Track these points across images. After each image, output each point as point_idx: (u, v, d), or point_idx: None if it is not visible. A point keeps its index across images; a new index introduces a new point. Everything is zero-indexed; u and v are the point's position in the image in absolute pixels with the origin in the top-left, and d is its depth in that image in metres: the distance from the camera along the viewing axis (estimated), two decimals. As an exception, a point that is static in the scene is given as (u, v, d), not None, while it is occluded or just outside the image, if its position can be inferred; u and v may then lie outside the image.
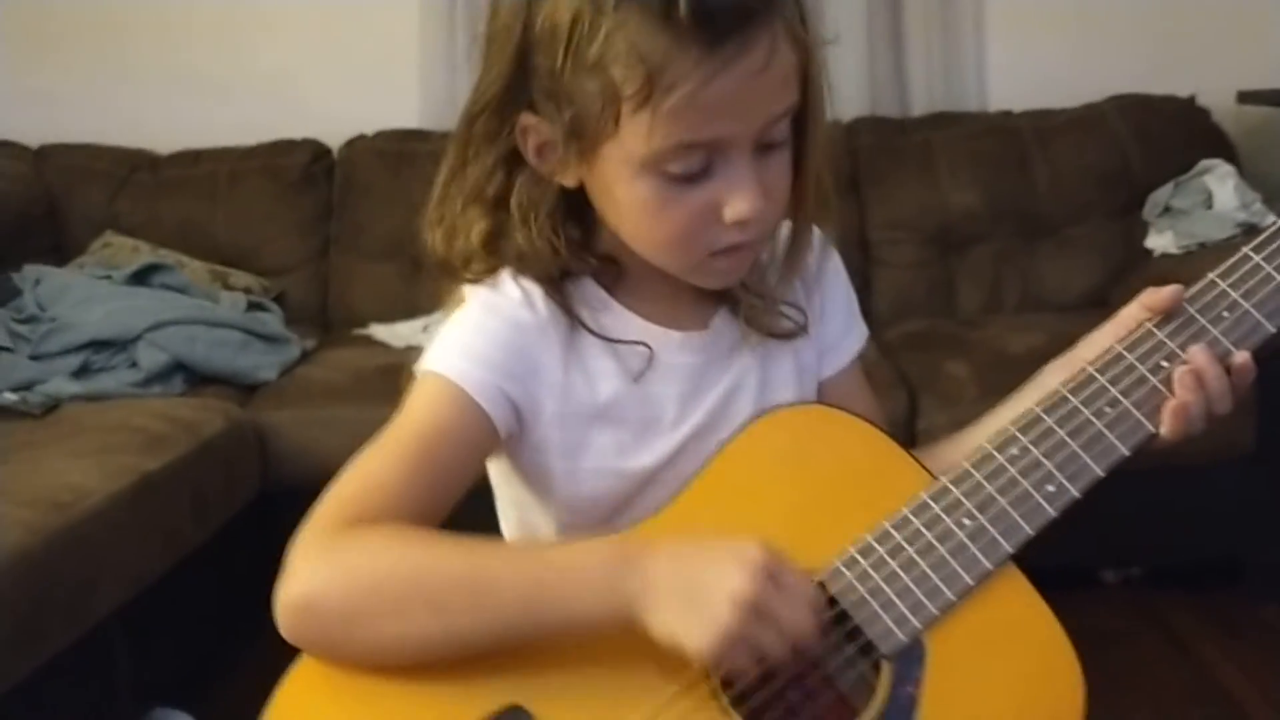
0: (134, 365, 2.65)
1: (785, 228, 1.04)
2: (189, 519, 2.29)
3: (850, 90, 3.43)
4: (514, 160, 0.97)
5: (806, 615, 0.84)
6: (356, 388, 2.62)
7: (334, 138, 3.40)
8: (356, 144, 3.38)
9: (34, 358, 2.62)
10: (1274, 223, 0.95)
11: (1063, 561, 2.61)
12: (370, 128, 3.38)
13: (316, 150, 3.39)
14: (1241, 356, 0.94)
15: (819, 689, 0.92)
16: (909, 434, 2.55)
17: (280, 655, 0.89)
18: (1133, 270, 3.06)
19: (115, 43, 3.49)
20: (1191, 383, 0.93)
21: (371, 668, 0.87)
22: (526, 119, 0.94)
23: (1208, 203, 3.01)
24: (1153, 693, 2.32)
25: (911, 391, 2.61)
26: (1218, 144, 3.18)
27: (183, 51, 3.48)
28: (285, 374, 2.80)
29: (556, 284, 1.01)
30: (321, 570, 0.87)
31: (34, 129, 3.37)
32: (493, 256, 1.01)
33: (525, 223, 0.98)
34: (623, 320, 1.03)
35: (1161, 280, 2.95)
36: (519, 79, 0.92)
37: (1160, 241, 3.03)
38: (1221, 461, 2.49)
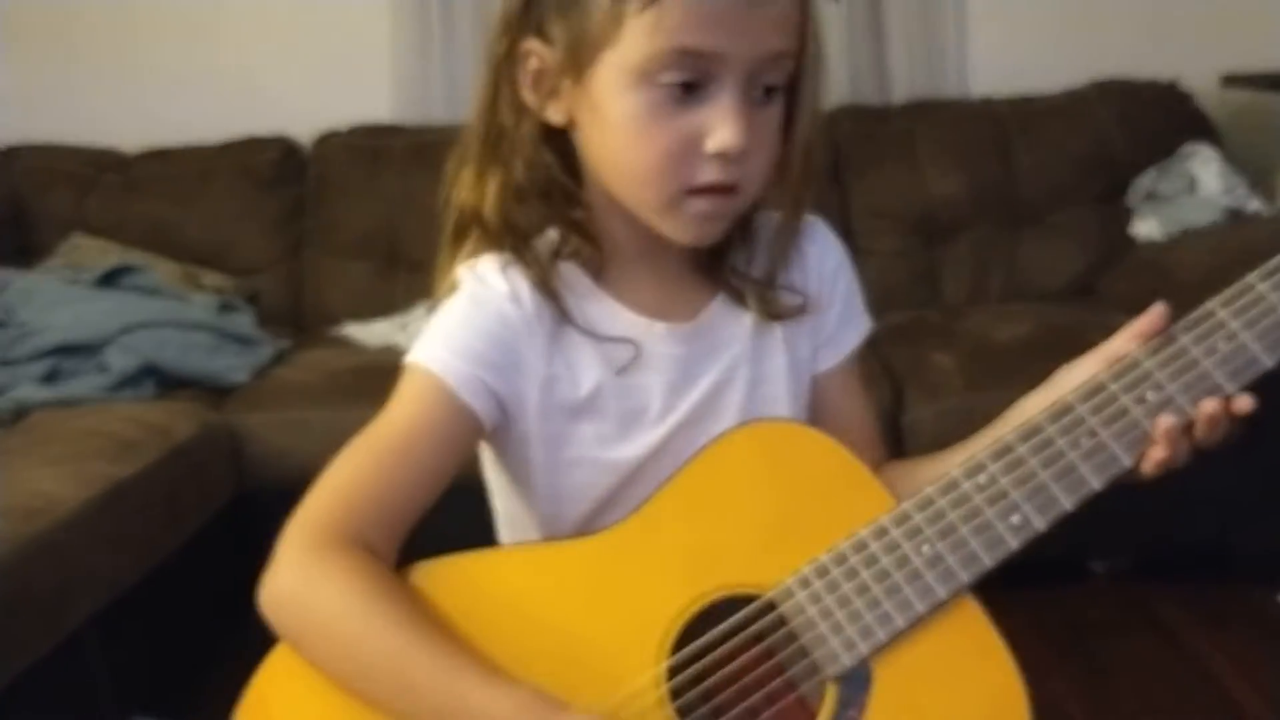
0: (104, 369, 2.63)
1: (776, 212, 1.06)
2: (163, 525, 2.28)
3: (831, 79, 3.41)
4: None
5: None
6: (331, 389, 2.60)
7: (305, 134, 3.37)
8: (328, 140, 3.36)
9: (1, 363, 2.60)
10: None
11: (1051, 553, 2.61)
12: (342, 123, 3.36)
13: (288, 147, 3.36)
14: (1243, 401, 0.90)
15: (782, 694, 0.92)
16: (894, 426, 2.54)
17: (259, 660, 0.93)
18: (1117, 257, 3.07)
19: (82, 41, 3.46)
20: (1178, 436, 0.90)
21: None
22: (529, 44, 0.97)
23: (1192, 188, 3.01)
24: (1142, 682, 2.33)
25: (897, 383, 2.61)
26: (1201, 128, 3.18)
27: (150, 49, 3.46)
28: (259, 375, 2.78)
29: (545, 268, 1.02)
30: (292, 585, 0.92)
31: (-1, 129, 3.35)
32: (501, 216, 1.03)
33: (516, 157, 1.01)
34: (609, 311, 1.04)
35: (1147, 265, 2.93)
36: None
37: (1145, 227, 3.03)
38: (1210, 450, 2.48)
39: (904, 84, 3.44)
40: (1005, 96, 3.31)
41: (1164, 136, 3.14)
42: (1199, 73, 3.25)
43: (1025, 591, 2.57)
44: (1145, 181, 3.09)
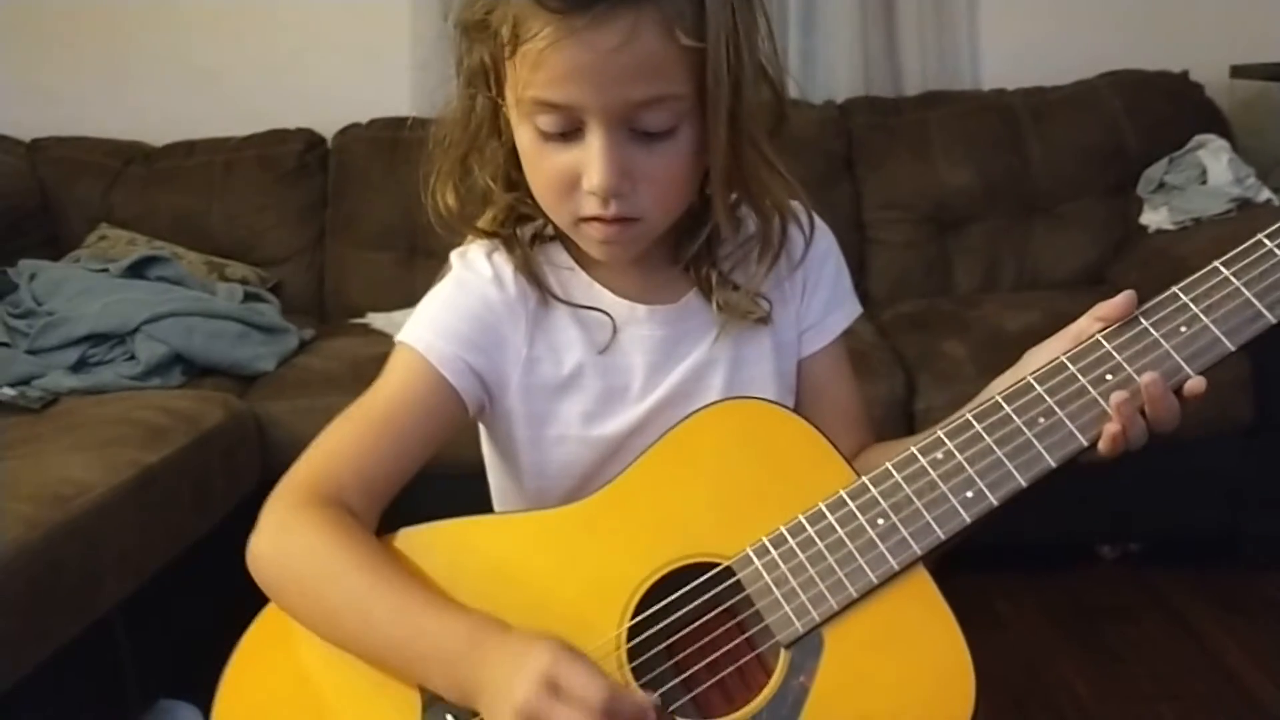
0: (132, 358, 2.65)
1: (752, 218, 1.07)
2: (190, 511, 2.29)
3: (844, 71, 3.43)
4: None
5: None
6: (355, 377, 2.56)
7: (327, 126, 3.40)
8: (350, 132, 3.38)
9: (31, 352, 2.62)
10: (1254, 238, 0.92)
11: (1060, 538, 2.66)
12: (363, 116, 3.38)
13: (310, 139, 3.38)
14: (1197, 383, 0.90)
15: (744, 655, 0.94)
16: (907, 414, 2.55)
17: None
18: (1128, 247, 3.07)
19: (108, 35, 3.49)
20: (1130, 411, 0.90)
21: None
22: (480, 53, 0.99)
23: (1202, 178, 3.00)
24: (1151, 667, 2.33)
25: (909, 371, 2.62)
26: (1211, 119, 3.17)
27: (175, 43, 3.48)
28: (284, 364, 2.80)
29: (528, 251, 1.07)
30: (271, 541, 0.97)
31: (27, 122, 3.37)
32: (499, 204, 1.07)
33: (488, 151, 1.04)
34: (590, 291, 1.08)
35: (1157, 255, 2.94)
36: (464, 14, 0.99)
37: (1155, 218, 3.03)
38: (1218, 435, 2.50)
39: (916, 75, 3.44)
40: (1017, 88, 3.30)
41: (1174, 127, 3.13)
42: (1209, 64, 3.23)
43: (1035, 576, 2.62)
44: (1156, 172, 3.08)
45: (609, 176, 0.94)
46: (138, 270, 2.89)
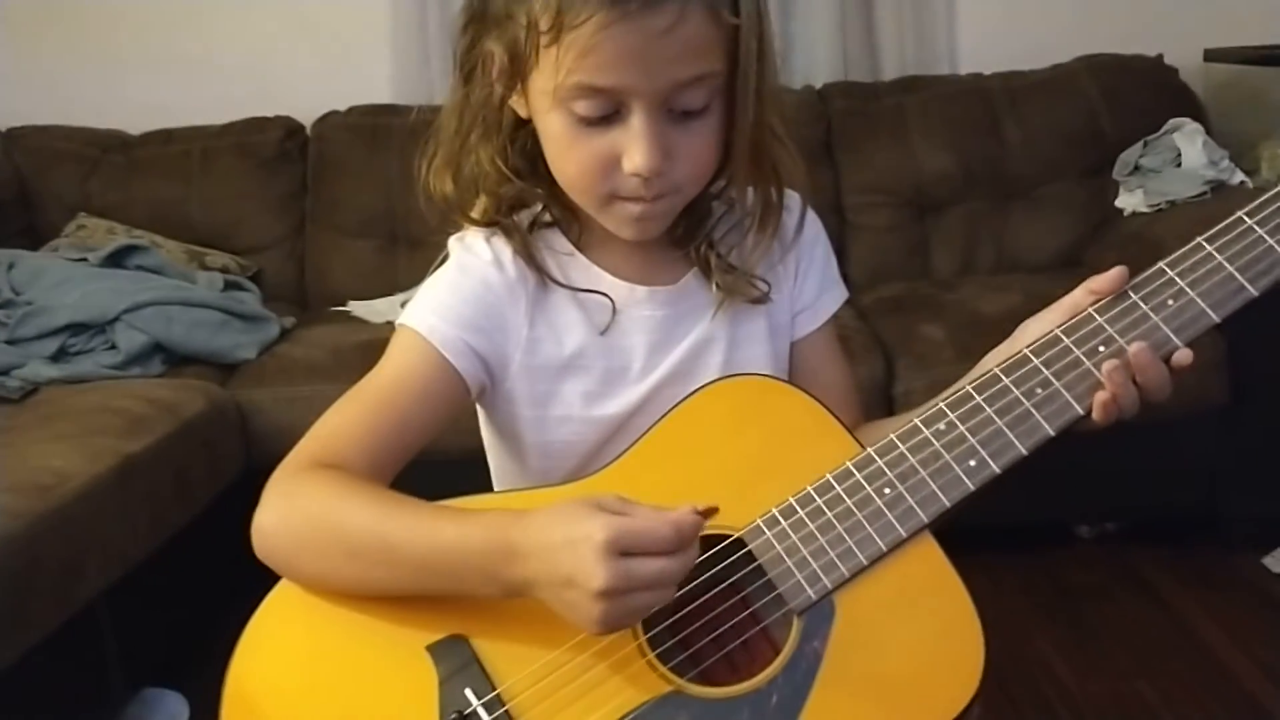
0: (112, 347, 2.64)
1: (751, 197, 1.09)
2: (173, 499, 2.29)
3: (822, 55, 3.44)
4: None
5: (669, 565, 0.85)
6: (336, 365, 2.62)
7: (307, 114, 3.38)
8: (329, 120, 3.36)
9: (10, 342, 2.61)
10: (1235, 215, 0.96)
11: (1038, 517, 2.68)
12: (343, 103, 3.37)
13: (290, 127, 3.37)
14: (1184, 354, 0.94)
15: (748, 629, 0.96)
16: (886, 397, 2.57)
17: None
18: (1104, 229, 3.09)
19: (84, 23, 3.47)
20: (1121, 378, 0.93)
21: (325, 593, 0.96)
22: (490, 44, 1.00)
23: (1177, 161, 3.02)
24: (1129, 646, 2.36)
25: (888, 355, 2.63)
26: (1186, 102, 3.20)
27: (153, 30, 3.46)
28: (265, 352, 2.80)
29: (525, 236, 1.08)
30: (277, 507, 0.96)
31: (2, 110, 3.36)
32: (496, 192, 1.08)
33: (495, 138, 1.06)
34: (590, 274, 1.10)
35: (1133, 238, 2.96)
36: (482, 5, 1.00)
37: (1131, 200, 3.05)
38: (1194, 415, 2.52)
39: (895, 60, 3.45)
40: (994, 72, 3.32)
41: (1150, 111, 3.15)
42: (1183, 48, 3.25)
43: (1013, 555, 2.64)
44: (1131, 155, 3.10)
45: (653, 157, 0.95)
46: (117, 259, 2.88)
